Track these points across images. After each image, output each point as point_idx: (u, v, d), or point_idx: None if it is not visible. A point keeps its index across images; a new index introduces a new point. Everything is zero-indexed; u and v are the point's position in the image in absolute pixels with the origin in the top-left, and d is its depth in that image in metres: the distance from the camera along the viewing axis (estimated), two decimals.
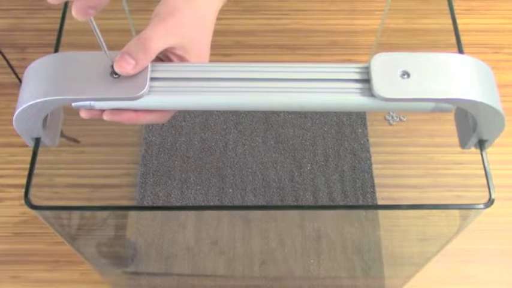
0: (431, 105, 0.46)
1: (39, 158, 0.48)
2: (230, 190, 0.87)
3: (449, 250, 0.78)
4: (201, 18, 0.52)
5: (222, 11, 0.56)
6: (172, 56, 0.52)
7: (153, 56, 0.48)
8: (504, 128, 0.46)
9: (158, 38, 0.48)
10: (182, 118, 0.92)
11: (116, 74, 0.43)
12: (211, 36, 0.55)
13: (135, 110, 0.49)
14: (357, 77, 0.45)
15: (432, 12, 0.84)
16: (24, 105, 0.43)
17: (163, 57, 0.53)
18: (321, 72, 0.45)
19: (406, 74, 0.44)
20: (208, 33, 0.54)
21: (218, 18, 0.55)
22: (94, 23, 0.41)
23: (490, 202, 0.48)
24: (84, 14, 0.40)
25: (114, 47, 0.47)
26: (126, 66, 0.45)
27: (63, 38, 0.55)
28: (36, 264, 0.83)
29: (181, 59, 0.52)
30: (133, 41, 0.47)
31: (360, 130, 0.92)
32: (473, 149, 0.50)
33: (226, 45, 0.99)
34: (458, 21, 0.58)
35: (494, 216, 0.86)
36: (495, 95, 0.44)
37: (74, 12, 0.40)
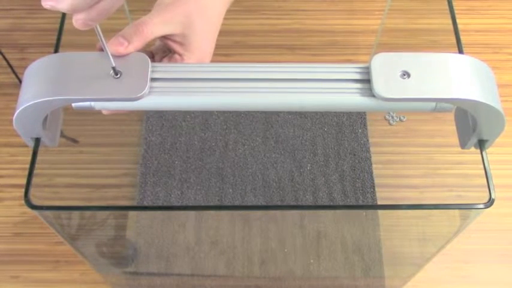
0: (432, 105, 0.46)
1: (39, 158, 0.48)
2: (230, 190, 0.86)
3: (449, 250, 0.78)
4: (204, 10, 0.53)
5: None
6: (171, 43, 0.53)
7: (147, 40, 0.49)
8: (504, 128, 0.46)
9: (153, 23, 0.50)
10: (182, 118, 0.92)
11: (117, 74, 0.43)
12: (217, 31, 0.55)
13: None
14: (357, 77, 0.45)
15: (432, 12, 0.84)
16: (24, 105, 0.43)
17: (164, 44, 0.54)
18: (321, 72, 0.45)
19: (406, 74, 0.44)
20: (212, 26, 0.54)
21: None
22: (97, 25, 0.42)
23: (490, 202, 0.48)
24: (85, 25, 0.41)
25: None
26: (119, 47, 0.46)
27: (63, 38, 0.55)
28: (36, 264, 0.83)
29: (182, 46, 0.52)
30: (129, 25, 0.48)
31: (360, 130, 0.92)
32: (473, 149, 0.50)
33: (226, 45, 0.99)
34: (458, 21, 0.58)
35: (494, 216, 0.86)
36: (495, 95, 0.44)
37: (75, 24, 0.41)
